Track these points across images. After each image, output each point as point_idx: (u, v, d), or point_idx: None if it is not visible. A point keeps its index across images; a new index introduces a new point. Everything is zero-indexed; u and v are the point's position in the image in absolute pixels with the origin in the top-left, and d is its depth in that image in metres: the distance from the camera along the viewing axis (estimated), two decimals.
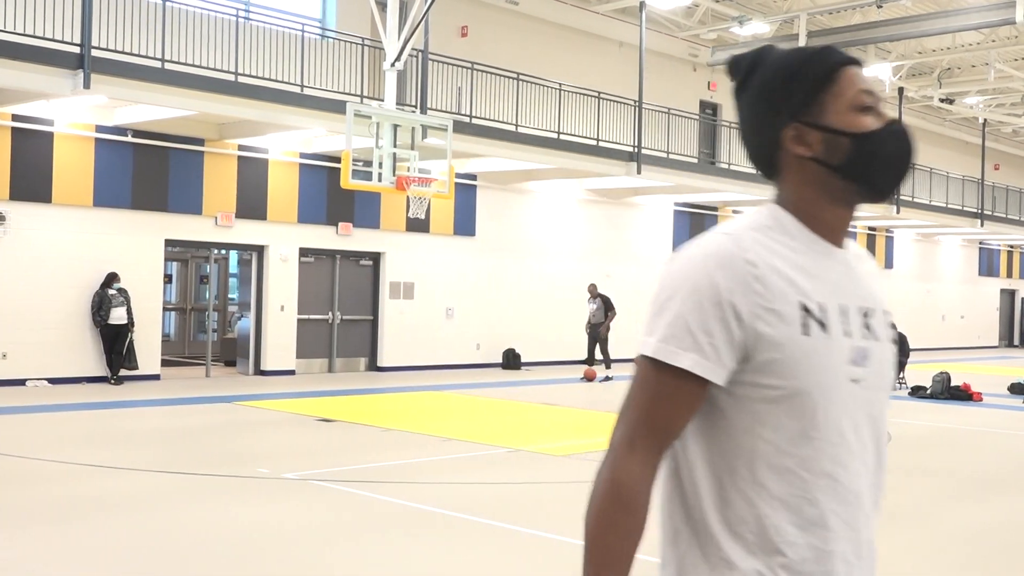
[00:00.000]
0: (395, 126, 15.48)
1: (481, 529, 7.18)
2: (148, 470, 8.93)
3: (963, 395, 17.10)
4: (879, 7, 22.14)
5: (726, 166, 25.00)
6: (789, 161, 1.77)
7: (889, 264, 33.02)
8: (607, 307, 19.45)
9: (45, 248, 15.72)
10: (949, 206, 31.05)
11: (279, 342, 18.59)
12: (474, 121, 18.83)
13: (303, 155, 18.68)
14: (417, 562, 6.35)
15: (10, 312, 15.36)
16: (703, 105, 27.06)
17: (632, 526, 1.67)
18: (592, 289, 19.78)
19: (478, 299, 21.37)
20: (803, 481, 1.66)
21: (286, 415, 13.24)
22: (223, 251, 19.93)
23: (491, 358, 21.57)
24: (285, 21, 17.61)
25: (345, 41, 17.90)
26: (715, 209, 26.69)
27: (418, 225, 19.83)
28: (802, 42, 23.31)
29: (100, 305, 15.91)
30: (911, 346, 19.73)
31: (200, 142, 17.36)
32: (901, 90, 28.86)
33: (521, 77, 19.84)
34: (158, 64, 14.73)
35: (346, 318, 19.73)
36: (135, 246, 16.70)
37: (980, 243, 37.54)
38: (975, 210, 32.31)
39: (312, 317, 19.20)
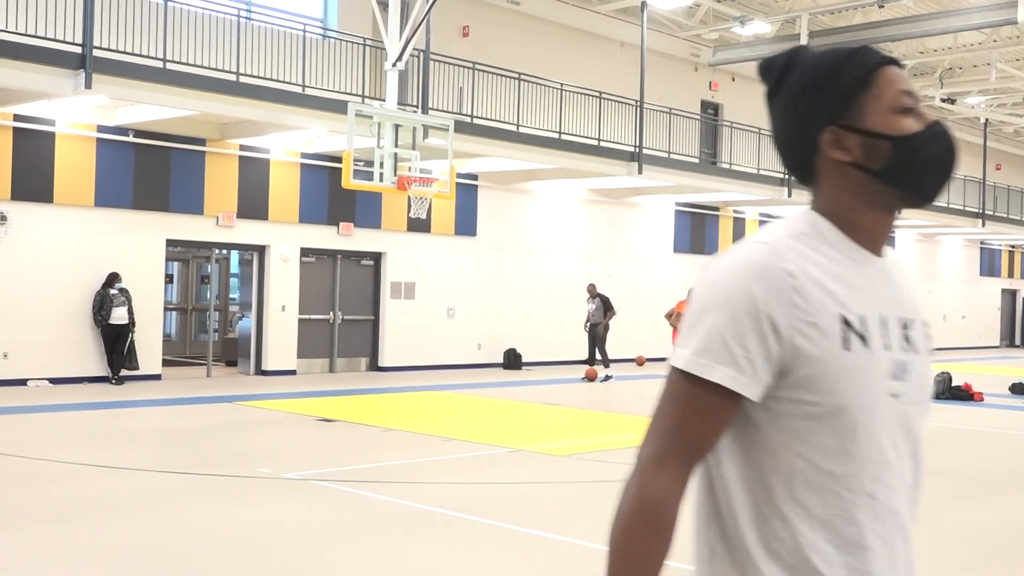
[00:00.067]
0: (396, 126, 15.48)
1: (481, 529, 7.17)
2: (148, 470, 8.94)
3: (964, 395, 17.09)
4: (881, 7, 22.13)
5: (727, 166, 24.98)
6: (826, 166, 1.70)
7: None
8: (606, 307, 19.57)
9: (46, 248, 15.73)
10: (950, 206, 31.03)
11: (280, 342, 18.59)
12: (475, 121, 18.83)
13: (304, 155, 18.68)
14: (417, 562, 6.35)
15: (11, 312, 15.37)
16: (704, 105, 27.05)
17: (658, 545, 1.60)
18: (591, 289, 19.92)
19: (479, 299, 21.37)
20: (842, 500, 1.61)
21: (287, 415, 13.25)
22: (224, 251, 19.94)
23: (492, 358, 21.57)
24: (286, 21, 17.61)
25: (346, 41, 17.90)
26: (716, 209, 26.68)
27: (419, 225, 19.83)
28: (803, 42, 23.32)
29: (101, 305, 15.91)
30: None
31: (201, 142, 17.36)
32: None
33: (522, 77, 19.84)
34: (159, 64, 14.74)
35: (347, 318, 19.73)
36: (136, 246, 16.70)
37: (981, 243, 37.53)
38: (976, 210, 32.29)
39: (313, 317, 19.20)
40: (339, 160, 17.40)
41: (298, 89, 16.37)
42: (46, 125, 15.68)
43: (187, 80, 14.76)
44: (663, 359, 24.55)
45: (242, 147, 17.84)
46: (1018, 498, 9.03)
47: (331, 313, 19.53)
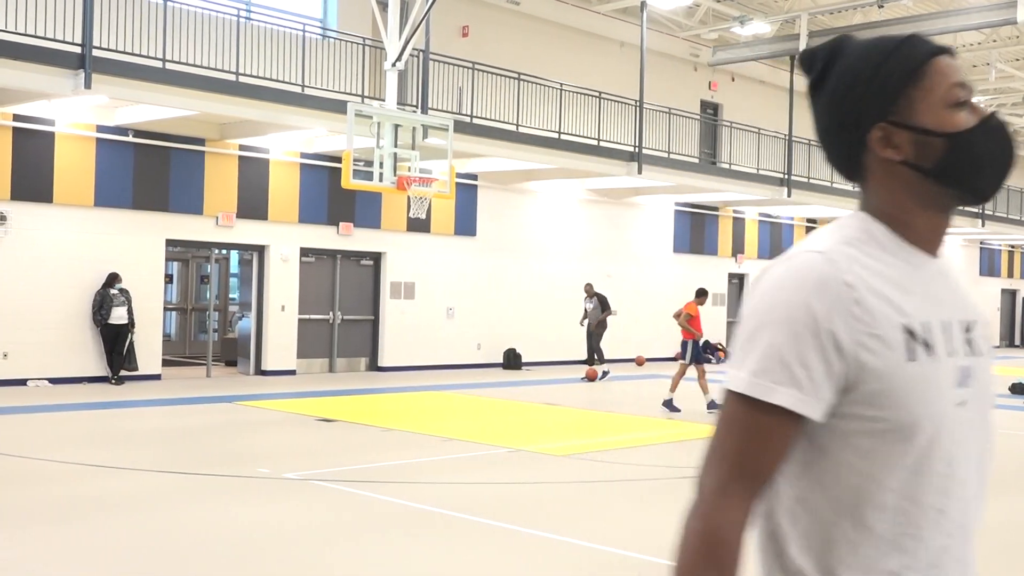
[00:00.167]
0: (396, 126, 15.48)
1: (481, 529, 7.17)
2: (148, 470, 8.94)
3: None
4: (880, 7, 22.14)
5: (727, 166, 24.99)
6: (876, 165, 1.60)
7: None
8: (603, 306, 19.71)
9: (46, 248, 15.73)
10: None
11: (280, 342, 18.59)
12: (475, 121, 18.83)
13: (304, 155, 18.68)
14: (417, 562, 6.35)
15: (11, 312, 15.37)
16: (704, 105, 27.05)
17: None
18: (588, 289, 20.04)
19: (479, 299, 21.37)
20: (910, 517, 1.52)
21: (287, 415, 13.25)
22: (224, 251, 19.94)
23: (492, 358, 21.57)
24: (286, 21, 17.61)
25: (346, 41, 17.90)
26: (716, 209, 26.68)
27: (419, 225, 19.83)
28: (803, 43, 23.33)
29: (101, 304, 15.91)
30: None
31: (201, 142, 17.36)
32: None
33: (522, 77, 19.84)
34: (159, 64, 14.74)
35: (347, 318, 19.73)
36: (136, 246, 16.70)
37: (981, 243, 37.53)
38: (976, 210, 32.29)
39: (313, 317, 19.20)
40: (339, 160, 17.40)
41: (298, 89, 16.37)
42: (46, 125, 15.68)
43: (187, 80, 14.76)
44: (663, 359, 24.58)
45: (242, 147, 17.84)
46: (1018, 498, 9.03)
47: (331, 313, 19.52)
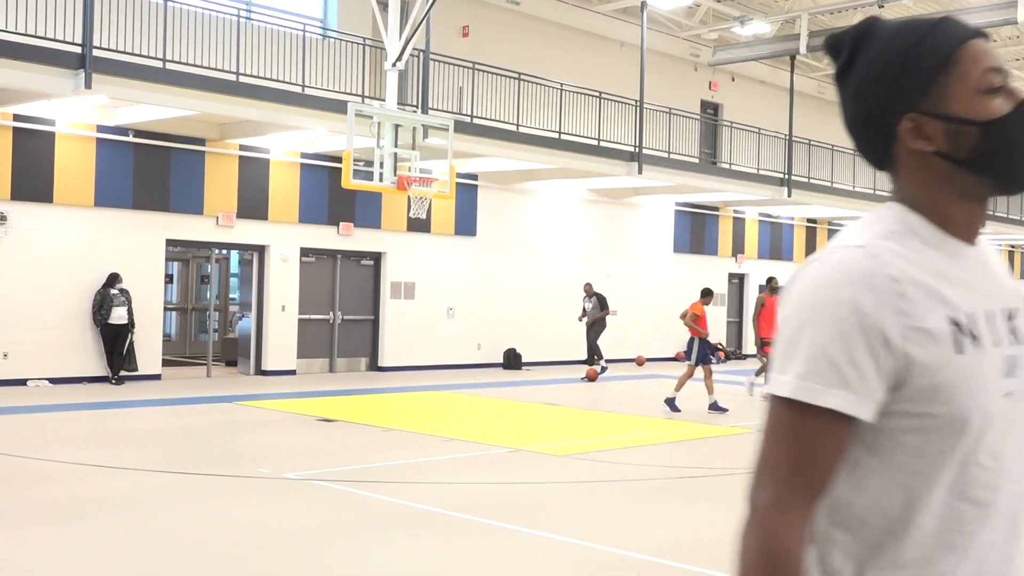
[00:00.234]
0: (396, 126, 15.48)
1: (481, 529, 7.17)
2: (148, 470, 8.94)
3: None
4: (880, 7, 22.12)
5: (727, 166, 24.99)
6: (907, 156, 1.54)
7: None
8: (602, 305, 19.81)
9: (46, 248, 15.73)
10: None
11: (280, 342, 18.59)
12: (475, 121, 18.83)
13: (304, 155, 18.68)
14: (417, 562, 6.35)
15: (11, 312, 15.36)
16: (704, 105, 27.05)
17: None
18: (588, 288, 20.11)
19: (479, 299, 21.37)
20: (959, 514, 1.48)
21: (287, 415, 13.25)
22: (224, 251, 19.94)
23: (492, 358, 21.57)
24: (286, 21, 17.61)
25: (346, 41, 17.90)
26: (716, 209, 26.68)
27: (419, 225, 19.83)
28: (803, 43, 23.34)
29: (101, 304, 15.92)
30: None
31: (201, 142, 17.36)
32: None
33: (522, 77, 19.84)
34: (159, 64, 14.74)
35: (347, 318, 19.73)
36: (136, 246, 16.70)
37: None
38: None
39: (313, 317, 19.20)
40: (339, 160, 17.40)
41: (298, 89, 16.37)
42: (46, 125, 15.68)
43: (187, 80, 14.76)
44: (663, 359, 24.58)
45: (242, 147, 17.84)
46: None
47: (331, 313, 19.53)
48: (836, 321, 1.42)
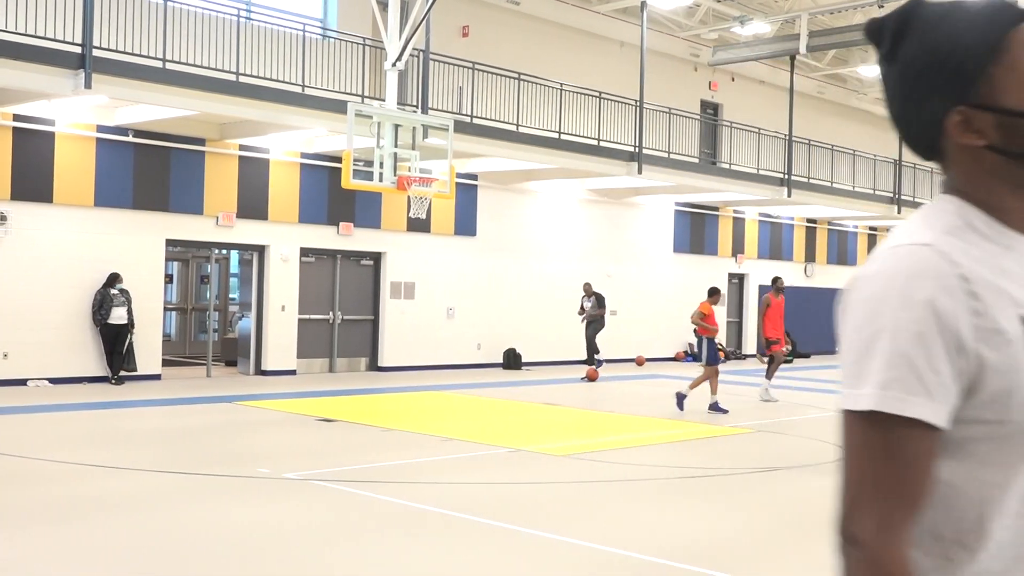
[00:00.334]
0: (396, 126, 15.48)
1: (481, 529, 7.17)
2: (148, 470, 8.94)
3: None
4: (880, 7, 22.12)
5: (727, 166, 24.99)
6: (955, 150, 1.44)
7: None
8: (600, 304, 19.88)
9: (46, 248, 15.73)
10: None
11: (280, 342, 18.60)
12: (475, 121, 18.83)
13: (304, 155, 18.68)
14: (417, 562, 6.35)
15: (11, 312, 15.37)
16: (704, 105, 27.05)
17: None
18: (587, 288, 20.15)
19: (479, 299, 21.37)
20: None
21: (287, 415, 13.25)
22: (224, 251, 19.94)
23: (492, 358, 21.57)
24: (286, 21, 17.61)
25: (346, 41, 17.90)
26: (716, 209, 26.68)
27: (419, 225, 19.83)
28: (803, 43, 23.33)
29: (101, 304, 15.92)
30: None
31: (201, 142, 17.36)
32: None
33: (522, 77, 19.84)
34: (159, 64, 14.74)
35: (347, 318, 19.73)
36: (136, 246, 16.70)
37: None
38: None
39: (313, 317, 19.20)
40: (339, 160, 17.41)
41: (298, 89, 16.37)
42: (46, 125, 15.68)
43: (187, 80, 14.77)
44: (663, 359, 24.60)
45: (242, 147, 17.84)
46: None
47: (331, 313, 19.53)
48: (915, 323, 1.32)
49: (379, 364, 20.00)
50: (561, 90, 20.72)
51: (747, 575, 6.30)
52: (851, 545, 1.34)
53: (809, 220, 29.76)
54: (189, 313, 22.01)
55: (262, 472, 9.00)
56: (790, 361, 24.15)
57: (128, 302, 16.15)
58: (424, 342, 20.46)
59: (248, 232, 18.06)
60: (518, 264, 22.08)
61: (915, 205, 29.07)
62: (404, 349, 20.20)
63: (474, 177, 21.07)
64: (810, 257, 29.93)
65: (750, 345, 27.50)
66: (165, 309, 18.70)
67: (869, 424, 1.34)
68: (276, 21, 17.52)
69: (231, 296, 22.08)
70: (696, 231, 26.23)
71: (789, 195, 24.60)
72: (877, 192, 28.47)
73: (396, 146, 15.41)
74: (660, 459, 10.44)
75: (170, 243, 17.47)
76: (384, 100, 16.39)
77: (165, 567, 6.12)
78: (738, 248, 27.39)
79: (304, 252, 18.93)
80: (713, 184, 23.19)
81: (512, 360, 21.53)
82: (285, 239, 18.56)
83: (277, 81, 16.40)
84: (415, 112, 17.02)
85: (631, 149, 21.13)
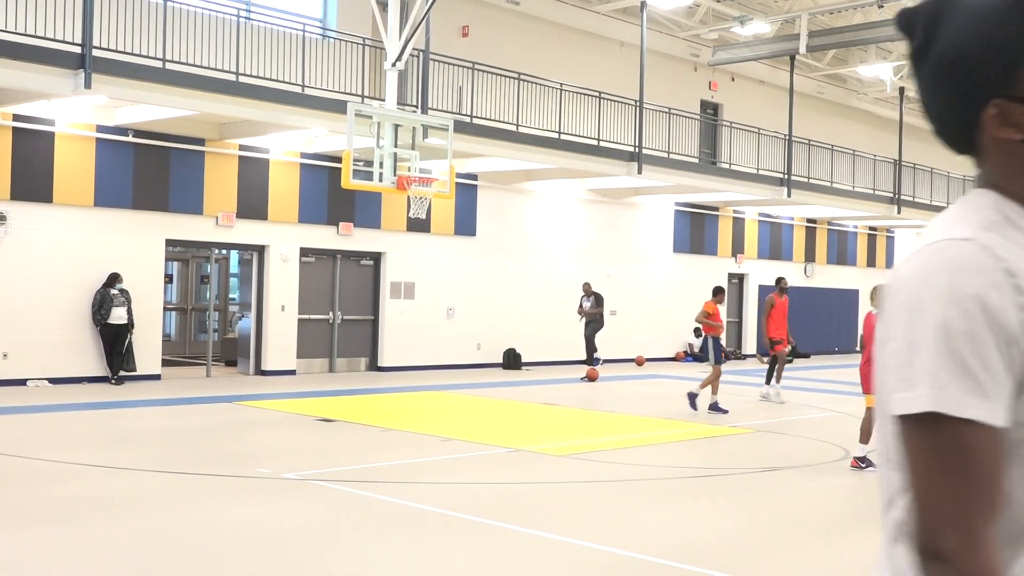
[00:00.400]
0: (396, 126, 15.47)
1: (481, 529, 7.17)
2: (148, 470, 8.93)
3: None
4: (880, 7, 22.13)
5: (727, 166, 24.99)
6: (992, 144, 1.40)
7: (890, 264, 33.01)
8: (599, 304, 19.92)
9: (46, 248, 15.73)
10: (951, 205, 31.00)
11: (280, 342, 18.59)
12: (475, 121, 18.83)
13: (304, 155, 18.68)
14: (417, 562, 6.35)
15: (11, 312, 15.36)
16: (704, 105, 27.05)
17: None
18: (587, 288, 20.17)
19: (479, 299, 21.37)
20: None
21: (286, 415, 13.25)
22: (224, 251, 19.94)
23: (492, 358, 21.57)
24: (286, 21, 17.61)
25: (346, 41, 17.90)
26: (716, 209, 26.68)
27: (419, 225, 19.83)
28: (803, 43, 23.33)
29: (101, 304, 15.92)
30: None
31: (201, 142, 17.36)
32: (902, 90, 28.86)
33: (522, 77, 19.84)
34: (159, 64, 14.74)
35: (347, 318, 19.73)
36: (136, 246, 16.70)
37: None
38: None
39: (313, 317, 19.20)
40: (339, 160, 17.40)
41: (298, 89, 16.37)
42: (46, 125, 15.68)
43: (187, 80, 14.77)
44: (663, 359, 24.59)
45: (241, 147, 17.84)
46: None
47: (331, 313, 19.52)
48: (966, 320, 1.27)
49: (379, 364, 20.00)
50: (561, 90, 20.72)
51: (747, 575, 6.30)
52: (938, 563, 1.27)
53: (809, 220, 29.76)
54: (189, 313, 22.01)
55: (262, 472, 9.00)
56: (790, 361, 24.13)
57: (128, 302, 16.14)
58: (424, 342, 20.47)
59: (248, 232, 18.06)
60: (518, 264, 22.08)
61: (915, 205, 29.09)
62: (404, 349, 20.20)
63: (474, 177, 21.07)
64: (810, 257, 29.93)
65: (750, 345, 27.50)
66: (165, 309, 18.70)
67: (929, 428, 1.28)
68: (276, 21, 17.52)
69: (231, 296, 22.08)
70: (696, 231, 26.23)
71: (789, 195, 24.60)
72: (877, 192, 28.47)
73: (396, 146, 15.41)
74: (660, 459, 10.44)
75: (170, 243, 17.47)
76: (384, 100, 16.39)
77: (165, 567, 6.12)
78: (738, 248, 27.39)
79: (304, 252, 18.93)
80: (713, 184, 23.19)
81: (512, 360, 21.53)
82: (285, 239, 18.56)
83: (277, 81, 16.40)
84: (415, 112, 17.02)
85: (631, 149, 21.13)
